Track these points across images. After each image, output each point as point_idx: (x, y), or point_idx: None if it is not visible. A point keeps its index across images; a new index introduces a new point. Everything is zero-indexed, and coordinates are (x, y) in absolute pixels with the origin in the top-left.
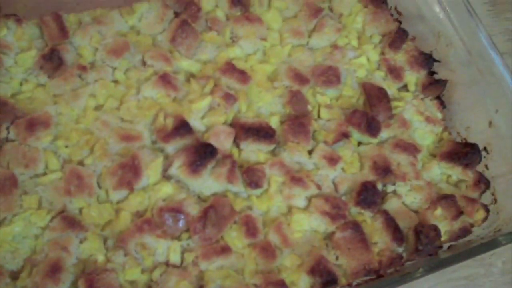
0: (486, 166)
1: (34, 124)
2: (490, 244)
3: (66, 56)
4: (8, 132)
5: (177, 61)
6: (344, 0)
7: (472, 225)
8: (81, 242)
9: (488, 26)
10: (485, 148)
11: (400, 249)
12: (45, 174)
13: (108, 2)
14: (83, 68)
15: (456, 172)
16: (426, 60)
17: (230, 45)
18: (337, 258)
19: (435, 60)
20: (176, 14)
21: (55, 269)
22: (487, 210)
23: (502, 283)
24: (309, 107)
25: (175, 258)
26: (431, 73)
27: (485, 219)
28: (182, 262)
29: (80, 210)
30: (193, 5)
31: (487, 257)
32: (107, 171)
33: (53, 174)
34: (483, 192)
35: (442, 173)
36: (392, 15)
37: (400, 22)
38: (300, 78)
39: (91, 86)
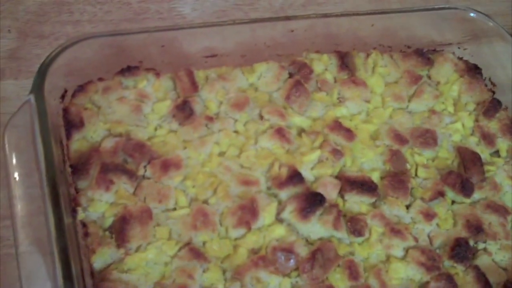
0: None
1: (167, 165)
2: None
3: (195, 107)
4: (145, 171)
5: (290, 117)
6: (442, 69)
7: None
8: (204, 271)
9: None
10: None
11: None
12: (175, 209)
13: (232, 62)
14: (210, 119)
15: None
16: None
17: (337, 105)
18: None
19: None
20: (291, 75)
21: None
22: None
23: None
24: (408, 166)
25: None
26: None
27: None
28: None
29: (204, 243)
30: (306, 68)
31: None
32: (228, 211)
33: (182, 210)
34: None
35: None
36: (486, 85)
37: (493, 92)
38: (400, 138)
39: (216, 135)
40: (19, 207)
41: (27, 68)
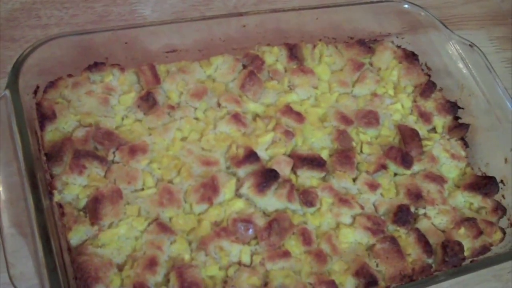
0: (503, 196)
1: (134, 150)
2: (504, 256)
3: (158, 98)
4: (114, 156)
5: (246, 103)
6: (382, 57)
7: (491, 244)
8: (171, 243)
9: (505, 80)
10: (501, 181)
11: (429, 260)
12: (143, 189)
13: (190, 56)
14: (172, 108)
15: (477, 200)
16: (452, 107)
17: (288, 92)
18: (377, 265)
19: (459, 107)
20: (244, 66)
21: (152, 263)
22: (504, 232)
23: None
24: (353, 143)
25: (246, 259)
26: (456, 118)
27: (502, 239)
28: (251, 262)
29: (170, 218)
30: (258, 59)
31: (504, 274)
32: (192, 188)
33: (149, 190)
34: (501, 217)
35: (465, 201)
36: (422, 69)
37: (429, 76)
38: (345, 119)
39: (178, 122)
40: (1, 194)
41: (0, 69)
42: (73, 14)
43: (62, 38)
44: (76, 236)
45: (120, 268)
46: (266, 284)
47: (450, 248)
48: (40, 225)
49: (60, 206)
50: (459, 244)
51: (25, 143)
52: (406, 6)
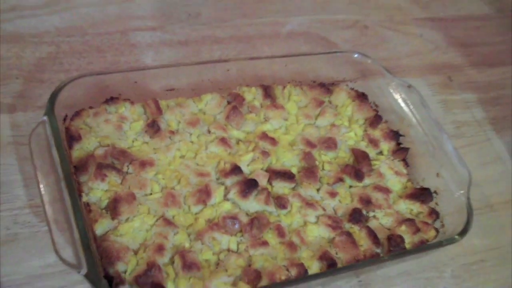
0: (436, 203)
1: (144, 164)
2: (432, 245)
3: (161, 125)
4: (128, 168)
5: (230, 131)
6: (339, 96)
7: (427, 240)
8: (174, 234)
9: (439, 116)
10: (435, 191)
11: (378, 250)
12: (151, 194)
13: (185, 94)
14: (172, 133)
15: (416, 206)
16: (394, 135)
17: (263, 122)
18: (336, 253)
19: (400, 135)
20: (229, 102)
21: (160, 248)
22: (437, 231)
23: (451, 284)
24: (317, 162)
25: (233, 246)
26: (398, 144)
27: (436, 236)
28: (237, 249)
29: (173, 216)
30: (239, 97)
31: (440, 265)
32: (189, 194)
33: (156, 194)
34: (435, 220)
35: (406, 207)
36: (371, 106)
37: (377, 111)
38: (310, 144)
39: (177, 144)
40: (44, 196)
41: (32, 104)
42: (89, 62)
43: (84, 78)
44: (100, 228)
45: (135, 252)
46: (249, 265)
47: (394, 240)
48: (78, 218)
49: (87, 205)
50: (401, 237)
51: (62, 156)
52: (356, 55)
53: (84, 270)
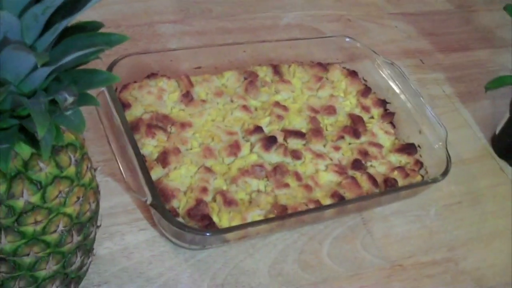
0: (420, 155)
1: (184, 125)
2: (423, 182)
3: (194, 95)
4: (171, 129)
5: (249, 101)
6: (334, 73)
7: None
8: (214, 179)
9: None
10: (418, 145)
11: (377, 190)
12: (191, 149)
13: (210, 71)
14: (203, 101)
15: (403, 158)
16: (382, 103)
17: (275, 94)
18: (344, 193)
19: (387, 102)
20: (245, 78)
21: (204, 189)
22: (423, 177)
23: (435, 220)
24: (321, 125)
25: (262, 188)
26: (386, 109)
27: (421, 180)
28: (265, 189)
29: (211, 166)
30: (254, 74)
31: (426, 206)
32: (222, 148)
33: (196, 149)
34: (420, 168)
35: (396, 159)
36: (361, 81)
37: (366, 84)
38: (314, 110)
39: (208, 110)
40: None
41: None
42: (124, 48)
43: (130, 56)
44: (154, 174)
45: (184, 193)
46: (276, 202)
47: (389, 181)
48: (142, 165)
49: (143, 156)
50: (395, 179)
51: (122, 116)
52: (347, 39)
53: (150, 199)
